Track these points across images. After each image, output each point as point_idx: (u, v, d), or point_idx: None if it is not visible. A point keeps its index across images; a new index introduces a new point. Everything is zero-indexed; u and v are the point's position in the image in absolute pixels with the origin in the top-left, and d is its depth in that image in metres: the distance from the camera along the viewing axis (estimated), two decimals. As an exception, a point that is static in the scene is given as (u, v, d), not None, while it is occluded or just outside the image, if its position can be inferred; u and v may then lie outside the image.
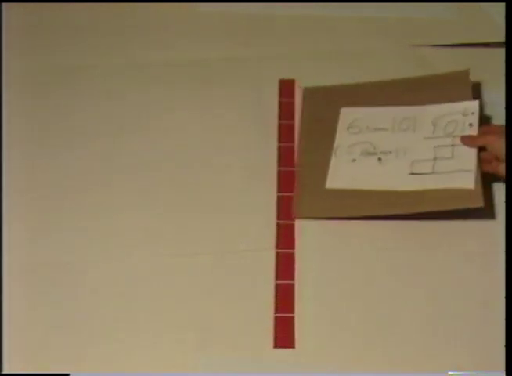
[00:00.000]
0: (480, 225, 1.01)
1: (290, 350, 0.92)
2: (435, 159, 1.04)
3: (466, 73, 1.12)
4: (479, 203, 0.98)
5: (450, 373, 0.89)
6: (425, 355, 0.91)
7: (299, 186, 1.05)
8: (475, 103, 1.07)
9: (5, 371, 0.90)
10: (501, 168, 0.99)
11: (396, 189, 1.03)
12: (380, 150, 1.07)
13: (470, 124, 1.05)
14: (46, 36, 1.25)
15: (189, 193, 1.06)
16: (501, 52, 1.09)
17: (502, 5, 1.11)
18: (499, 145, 0.99)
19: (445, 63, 1.19)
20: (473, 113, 1.06)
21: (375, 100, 1.13)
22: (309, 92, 1.16)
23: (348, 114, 1.11)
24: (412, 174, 1.03)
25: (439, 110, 1.08)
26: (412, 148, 1.06)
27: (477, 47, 1.22)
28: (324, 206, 1.03)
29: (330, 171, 1.06)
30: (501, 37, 1.14)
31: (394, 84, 1.15)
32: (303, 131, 1.11)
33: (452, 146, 1.04)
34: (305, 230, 1.02)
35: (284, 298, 0.96)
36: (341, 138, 1.09)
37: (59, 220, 1.03)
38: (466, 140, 1.03)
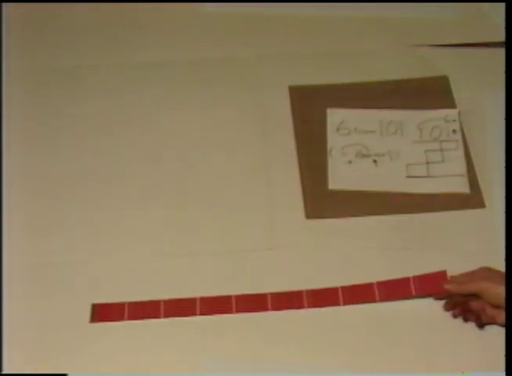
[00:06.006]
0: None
1: (292, 350, 0.92)
2: (428, 163, 1.07)
3: (445, 79, 1.16)
4: (481, 204, 1.04)
5: (450, 373, 0.90)
6: (425, 355, 0.91)
7: (303, 186, 1.06)
8: (455, 112, 1.11)
9: (4, 371, 0.90)
10: (501, 317, 0.89)
11: (395, 191, 1.05)
12: (373, 153, 1.09)
13: (454, 131, 1.09)
14: (46, 36, 1.25)
15: (189, 194, 1.06)
16: (501, 52, 1.09)
17: (502, 5, 1.11)
18: (496, 292, 0.88)
19: (445, 63, 1.19)
20: (454, 120, 1.10)
21: (360, 101, 1.14)
22: (295, 91, 1.16)
23: (335, 115, 1.12)
24: (409, 177, 1.06)
25: (423, 116, 1.12)
26: (404, 151, 1.08)
27: (477, 47, 1.22)
28: (330, 207, 1.04)
29: (330, 173, 1.07)
30: (501, 37, 1.15)
31: (378, 85, 1.16)
32: (297, 132, 1.12)
33: (441, 150, 1.08)
34: (306, 230, 1.02)
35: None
36: (333, 139, 1.10)
37: (58, 220, 1.03)
38: (453, 286, 0.92)
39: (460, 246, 1.00)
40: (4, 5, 1.26)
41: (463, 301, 0.92)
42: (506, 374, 0.81)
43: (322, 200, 1.05)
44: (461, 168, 1.06)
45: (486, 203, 1.04)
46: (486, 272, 0.91)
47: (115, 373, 0.90)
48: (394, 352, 0.92)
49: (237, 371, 0.90)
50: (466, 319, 0.92)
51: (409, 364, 0.91)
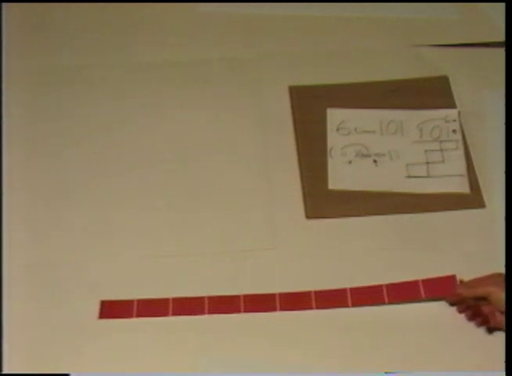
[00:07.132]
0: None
1: (292, 349, 0.92)
2: (428, 163, 1.07)
3: (445, 79, 1.16)
4: (481, 204, 1.04)
5: (450, 373, 0.90)
6: (425, 355, 0.92)
7: (303, 186, 1.06)
8: (455, 111, 1.12)
9: (5, 371, 0.90)
10: (502, 321, 0.90)
11: (395, 191, 1.05)
12: (373, 153, 1.09)
13: (454, 131, 1.10)
14: (46, 36, 1.25)
15: (189, 193, 1.06)
16: (501, 52, 1.09)
17: (502, 5, 1.11)
18: (502, 297, 0.88)
19: (445, 63, 1.19)
20: (454, 120, 1.10)
21: (360, 101, 1.14)
22: (295, 91, 1.16)
23: (335, 115, 1.12)
24: (409, 177, 1.06)
25: (423, 116, 1.12)
26: (404, 151, 1.09)
27: (477, 47, 1.22)
28: (330, 207, 1.04)
29: (330, 173, 1.07)
30: (501, 37, 1.15)
31: (378, 85, 1.17)
32: (297, 132, 1.12)
33: (441, 150, 1.08)
34: (306, 230, 1.02)
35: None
36: (333, 139, 1.10)
37: (59, 220, 1.04)
38: (464, 289, 0.93)
39: (460, 246, 1.01)
40: (4, 5, 1.26)
41: (475, 305, 0.92)
42: (506, 374, 0.81)
43: (322, 200, 1.05)
44: (461, 168, 1.07)
45: (486, 203, 1.04)
46: (498, 278, 0.91)
47: (116, 373, 0.90)
48: (394, 351, 0.92)
49: (244, 371, 0.90)
50: (477, 324, 0.92)
51: (410, 364, 0.91)
